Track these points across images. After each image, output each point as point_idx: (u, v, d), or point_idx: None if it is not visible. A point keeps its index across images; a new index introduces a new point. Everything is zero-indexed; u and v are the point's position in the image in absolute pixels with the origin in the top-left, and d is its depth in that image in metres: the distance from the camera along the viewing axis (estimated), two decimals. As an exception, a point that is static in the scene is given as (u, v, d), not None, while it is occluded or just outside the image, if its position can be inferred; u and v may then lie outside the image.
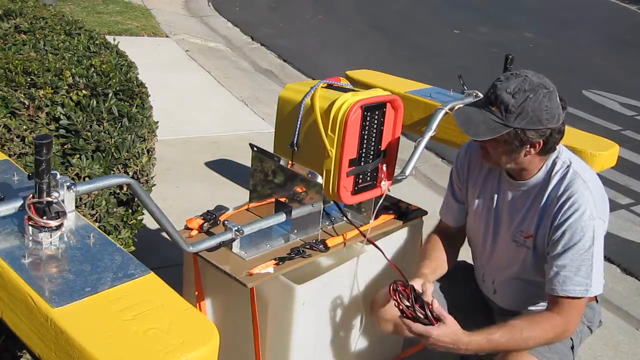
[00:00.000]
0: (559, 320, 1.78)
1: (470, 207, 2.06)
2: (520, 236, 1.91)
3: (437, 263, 2.04)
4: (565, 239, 1.77)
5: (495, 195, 1.98)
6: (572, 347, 1.92)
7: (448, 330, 1.72)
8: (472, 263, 2.19)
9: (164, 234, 1.82)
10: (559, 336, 1.80)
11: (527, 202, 1.89)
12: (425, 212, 2.35)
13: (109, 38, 3.56)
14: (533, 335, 1.76)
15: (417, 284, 1.82)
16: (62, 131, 2.31)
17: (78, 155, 2.17)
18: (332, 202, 2.20)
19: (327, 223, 2.19)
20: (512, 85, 1.72)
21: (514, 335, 1.75)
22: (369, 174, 2.10)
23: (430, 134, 2.57)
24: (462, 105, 2.82)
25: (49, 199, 1.43)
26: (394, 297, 1.74)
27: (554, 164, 1.85)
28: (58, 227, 1.43)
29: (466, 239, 2.17)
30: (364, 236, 2.13)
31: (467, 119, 1.78)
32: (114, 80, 2.67)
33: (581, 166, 1.86)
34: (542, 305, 1.98)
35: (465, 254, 2.23)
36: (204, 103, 5.44)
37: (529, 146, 1.77)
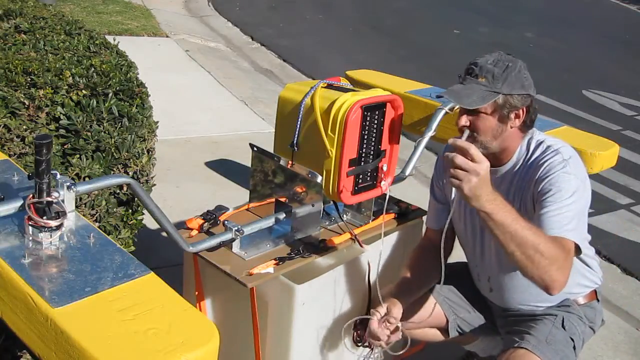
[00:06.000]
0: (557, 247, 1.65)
1: (453, 209, 2.07)
2: None
3: (414, 278, 2.04)
4: (544, 193, 1.78)
5: None
6: (574, 348, 1.91)
7: (485, 165, 1.57)
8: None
9: (164, 234, 1.82)
10: (548, 270, 1.61)
11: (505, 186, 1.92)
12: (425, 212, 2.35)
13: (109, 38, 3.56)
14: (543, 249, 1.61)
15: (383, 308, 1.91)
16: (62, 131, 2.31)
17: (78, 155, 2.17)
18: (332, 202, 2.20)
19: (327, 223, 2.19)
20: (491, 58, 1.85)
21: (534, 234, 1.61)
22: (369, 174, 2.09)
23: (430, 134, 2.57)
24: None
25: (49, 199, 1.43)
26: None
27: (528, 144, 1.91)
28: (58, 227, 1.43)
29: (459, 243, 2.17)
30: (357, 240, 2.13)
31: (457, 94, 1.83)
32: (114, 80, 2.66)
33: (554, 140, 1.91)
34: (540, 303, 1.99)
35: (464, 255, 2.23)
36: (204, 103, 5.44)
37: (514, 116, 1.83)
